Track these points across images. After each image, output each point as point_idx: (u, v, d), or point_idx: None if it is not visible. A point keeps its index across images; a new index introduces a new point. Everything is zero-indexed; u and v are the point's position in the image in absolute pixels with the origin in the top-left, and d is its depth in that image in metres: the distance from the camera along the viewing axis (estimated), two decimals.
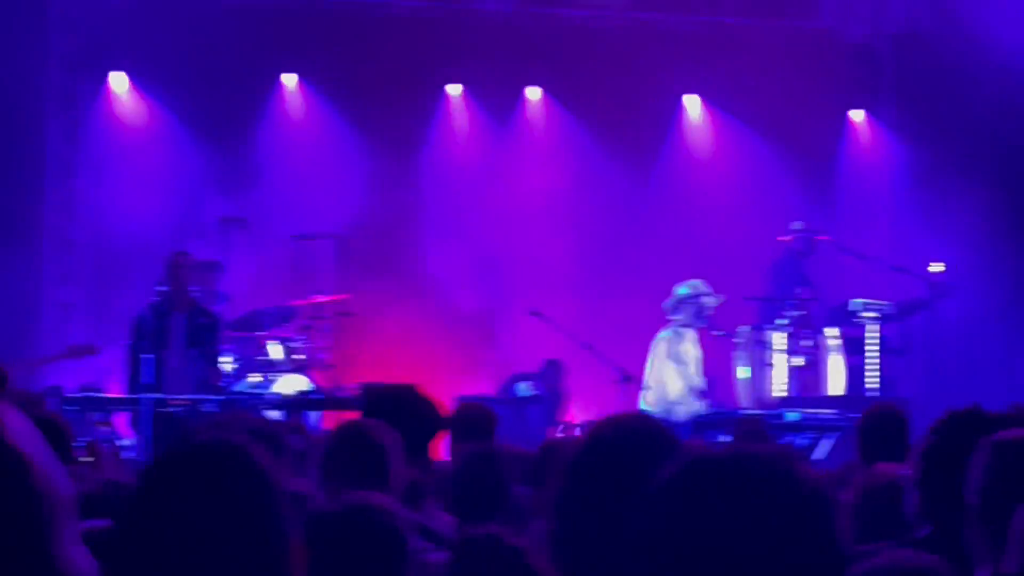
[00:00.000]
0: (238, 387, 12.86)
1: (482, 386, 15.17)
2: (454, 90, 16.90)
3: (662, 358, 13.39)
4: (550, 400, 14.84)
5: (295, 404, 12.23)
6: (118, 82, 16.20)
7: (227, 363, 12.95)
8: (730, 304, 14.05)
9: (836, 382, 14.01)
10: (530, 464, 6.31)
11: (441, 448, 6.64)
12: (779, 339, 13.83)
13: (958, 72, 16.07)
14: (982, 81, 15.99)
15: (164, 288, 11.84)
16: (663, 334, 13.54)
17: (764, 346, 13.80)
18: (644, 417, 3.29)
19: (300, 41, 16.22)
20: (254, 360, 13.24)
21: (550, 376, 15.38)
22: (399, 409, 5.03)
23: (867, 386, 14.11)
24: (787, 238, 14.84)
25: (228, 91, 15.94)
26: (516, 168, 16.81)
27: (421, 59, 16.36)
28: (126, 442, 11.74)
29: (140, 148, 16.05)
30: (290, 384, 12.89)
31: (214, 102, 15.92)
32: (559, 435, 12.88)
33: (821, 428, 12.35)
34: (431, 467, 5.76)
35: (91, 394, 11.98)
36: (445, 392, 13.18)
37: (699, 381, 13.39)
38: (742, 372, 14.04)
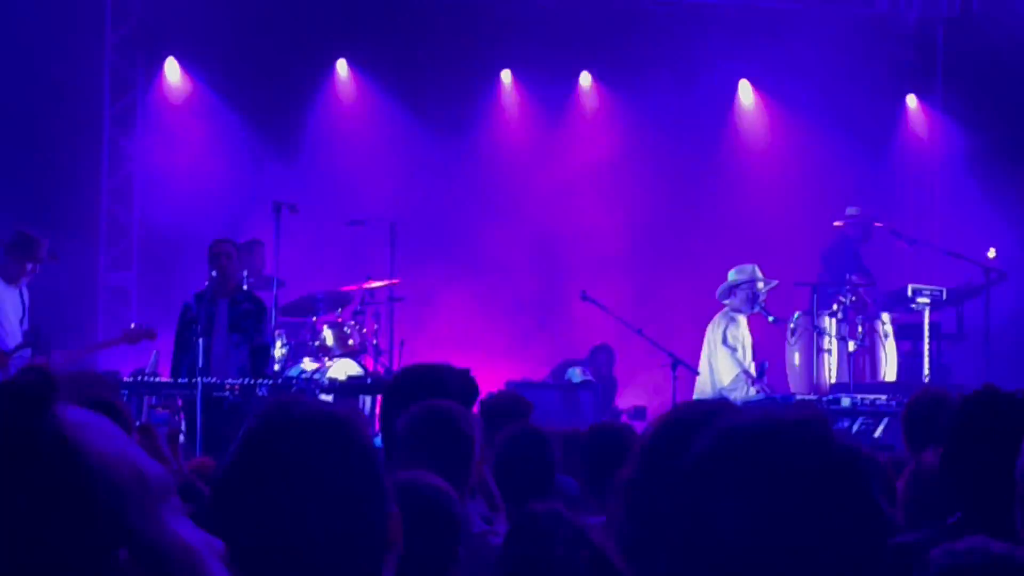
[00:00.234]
0: (291, 372, 12.91)
1: (534, 371, 15.17)
2: (506, 74, 16.91)
3: (715, 344, 13.40)
4: (601, 386, 14.82)
5: (348, 389, 12.27)
6: (172, 68, 16.28)
7: (279, 348, 13.01)
8: (784, 290, 14.00)
9: (890, 368, 13.94)
10: (577, 447, 6.29)
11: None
12: (833, 325, 13.76)
13: (1012, 55, 15.93)
14: None
15: (213, 274, 11.93)
16: (717, 320, 13.54)
17: (818, 332, 13.74)
18: (724, 402, 3.25)
19: (353, 26, 16.26)
20: (307, 345, 13.29)
21: (600, 361, 15.37)
22: (424, 390, 4.95)
23: (922, 372, 14.03)
24: (842, 223, 14.76)
25: (281, 76, 16.00)
26: (568, 153, 16.78)
27: (474, 43, 16.38)
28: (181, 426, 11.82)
29: (194, 133, 16.14)
30: (343, 369, 12.93)
31: (267, 87, 15.99)
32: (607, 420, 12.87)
33: (875, 414, 12.30)
34: None
35: (147, 378, 12.07)
36: (496, 377, 13.22)
37: (750, 367, 13.38)
38: (796, 358, 13.99)
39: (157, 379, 12.08)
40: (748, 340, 13.51)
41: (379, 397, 11.97)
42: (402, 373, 5.68)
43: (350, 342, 13.32)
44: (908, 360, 14.20)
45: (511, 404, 7.23)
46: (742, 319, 13.51)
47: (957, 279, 14.76)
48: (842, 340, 13.66)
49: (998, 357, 14.21)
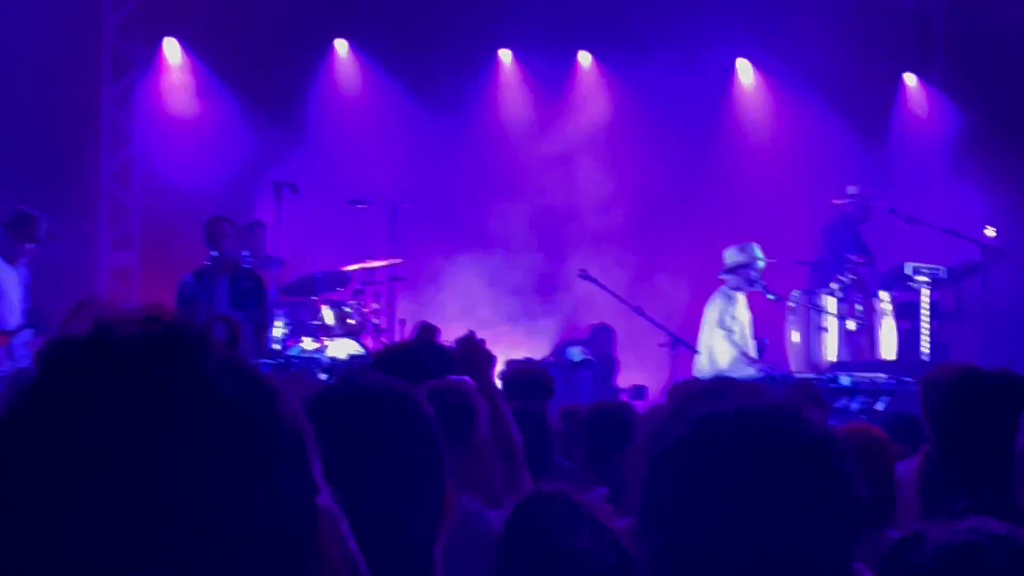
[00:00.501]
0: (291, 351, 12.94)
1: (534, 350, 15.19)
2: (505, 53, 16.92)
3: (712, 325, 13.40)
4: (601, 364, 14.86)
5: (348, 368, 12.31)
6: (171, 49, 16.28)
7: (279, 327, 13.04)
8: (783, 268, 14.02)
9: (889, 347, 13.97)
10: (576, 424, 6.31)
11: None
12: (832, 303, 13.79)
13: (1010, 34, 15.93)
14: None
15: (213, 253, 11.93)
16: (714, 299, 13.55)
17: (818, 310, 13.77)
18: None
19: (352, 6, 16.26)
20: (307, 324, 13.31)
21: (600, 341, 15.40)
22: (400, 371, 4.90)
23: (920, 351, 14.06)
24: (841, 202, 14.78)
25: (281, 56, 16.00)
26: (567, 132, 16.79)
27: (473, 23, 16.37)
28: None
29: (194, 113, 16.14)
30: (343, 348, 12.95)
31: (267, 67, 15.98)
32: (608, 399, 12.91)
33: (874, 392, 12.33)
34: None
35: None
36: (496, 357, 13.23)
37: (749, 346, 13.39)
38: (795, 336, 14.02)
39: None
40: (747, 318, 13.51)
41: None
42: (378, 355, 5.65)
43: (350, 321, 13.35)
44: (907, 338, 14.23)
45: (534, 378, 7.24)
46: (741, 297, 13.51)
47: (956, 258, 14.78)
48: (841, 319, 13.69)
49: (996, 335, 14.25)
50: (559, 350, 15.12)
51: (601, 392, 13.94)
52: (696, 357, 13.45)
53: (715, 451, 2.00)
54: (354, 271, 13.92)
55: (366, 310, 13.59)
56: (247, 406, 1.40)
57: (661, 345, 13.32)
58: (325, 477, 1.74)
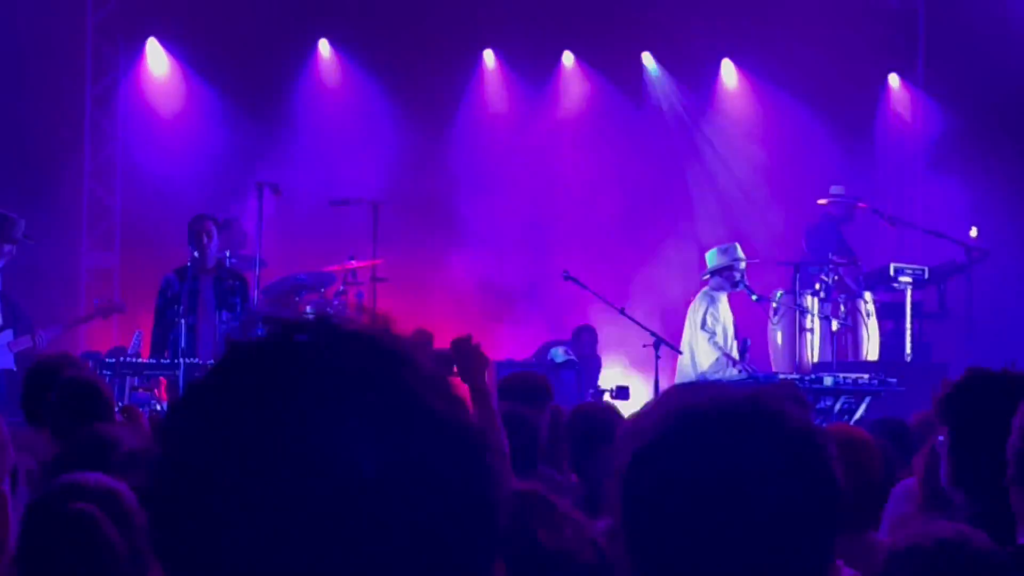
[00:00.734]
0: None
1: (517, 351, 15.17)
2: (489, 54, 16.89)
3: (695, 326, 13.39)
4: (584, 365, 14.83)
5: None
6: (153, 49, 16.23)
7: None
8: (767, 268, 14.01)
9: (873, 347, 13.97)
10: (559, 426, 6.28)
11: None
12: (816, 304, 13.78)
13: (993, 34, 15.94)
14: (1017, 45, 15.87)
15: (195, 253, 11.86)
16: (697, 300, 13.54)
17: (801, 311, 13.76)
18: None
19: (335, 6, 16.22)
20: None
21: (583, 341, 15.37)
22: None
23: (904, 351, 14.06)
24: (825, 202, 14.78)
25: (263, 56, 15.97)
26: (551, 133, 16.78)
27: (456, 23, 16.35)
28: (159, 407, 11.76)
29: (176, 114, 16.10)
30: None
31: (249, 68, 15.95)
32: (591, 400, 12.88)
33: (858, 393, 12.32)
34: None
35: (128, 359, 11.97)
36: None
37: (731, 347, 13.38)
38: (778, 337, 14.01)
39: (139, 360, 11.98)
40: (730, 319, 13.51)
41: None
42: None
43: None
44: (890, 339, 14.23)
45: (530, 385, 7.20)
46: (723, 298, 13.50)
47: (939, 258, 14.79)
48: (825, 319, 13.68)
49: (980, 335, 14.25)
50: (542, 351, 15.09)
51: (584, 393, 13.91)
52: (679, 358, 13.43)
53: (694, 444, 1.99)
54: (336, 271, 13.87)
55: (349, 311, 13.52)
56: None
57: (645, 346, 13.29)
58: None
